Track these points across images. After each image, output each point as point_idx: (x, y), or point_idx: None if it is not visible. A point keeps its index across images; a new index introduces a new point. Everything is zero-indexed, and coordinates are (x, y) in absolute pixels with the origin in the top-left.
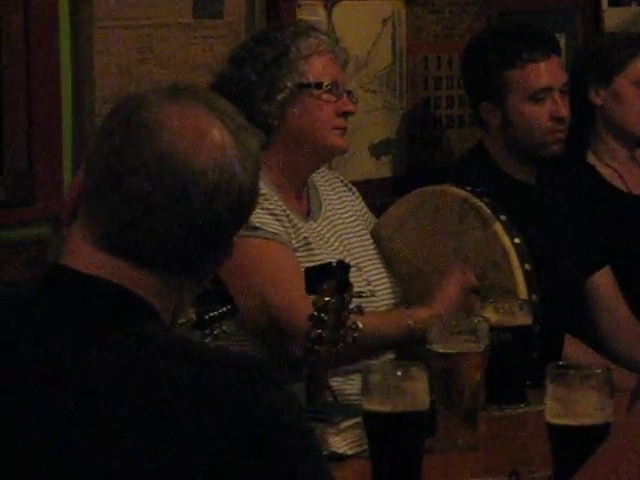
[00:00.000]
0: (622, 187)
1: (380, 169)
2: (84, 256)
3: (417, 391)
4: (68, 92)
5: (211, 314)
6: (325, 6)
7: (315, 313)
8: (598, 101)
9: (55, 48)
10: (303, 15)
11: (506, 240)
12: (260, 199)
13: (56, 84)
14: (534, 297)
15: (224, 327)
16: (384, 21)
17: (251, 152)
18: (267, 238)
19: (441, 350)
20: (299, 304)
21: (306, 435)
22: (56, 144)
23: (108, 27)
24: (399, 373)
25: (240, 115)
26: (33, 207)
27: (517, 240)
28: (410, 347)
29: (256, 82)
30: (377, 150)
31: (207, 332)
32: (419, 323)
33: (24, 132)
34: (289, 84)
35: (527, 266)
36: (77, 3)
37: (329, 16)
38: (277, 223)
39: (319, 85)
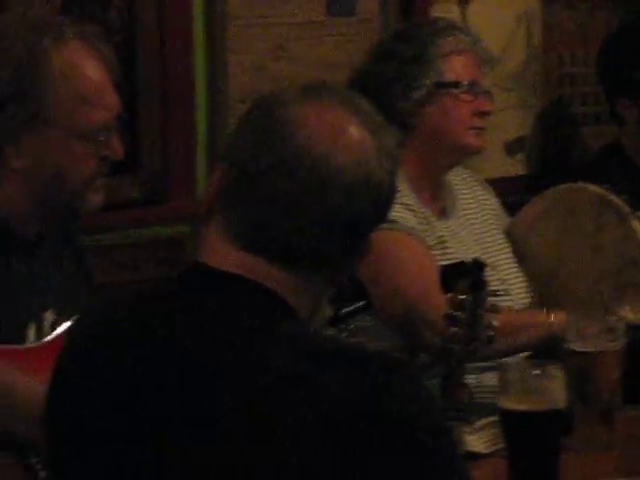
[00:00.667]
0: None
1: (514, 167)
2: (221, 254)
3: (554, 390)
4: (202, 91)
5: (346, 310)
6: (459, 3)
7: (450, 311)
8: None
9: (189, 47)
10: (437, 12)
11: None
12: (397, 195)
13: (190, 83)
14: None
15: (359, 323)
16: (518, 18)
17: (389, 150)
18: (404, 232)
19: (578, 349)
20: (434, 299)
21: (445, 433)
22: (190, 143)
23: (242, 25)
24: (536, 372)
25: (378, 114)
26: (167, 206)
27: None
28: (546, 345)
29: (394, 79)
30: (511, 148)
31: (341, 328)
32: (557, 323)
33: (159, 131)
34: (427, 82)
35: None
36: (211, 1)
37: (463, 13)
38: (414, 219)
39: (457, 84)
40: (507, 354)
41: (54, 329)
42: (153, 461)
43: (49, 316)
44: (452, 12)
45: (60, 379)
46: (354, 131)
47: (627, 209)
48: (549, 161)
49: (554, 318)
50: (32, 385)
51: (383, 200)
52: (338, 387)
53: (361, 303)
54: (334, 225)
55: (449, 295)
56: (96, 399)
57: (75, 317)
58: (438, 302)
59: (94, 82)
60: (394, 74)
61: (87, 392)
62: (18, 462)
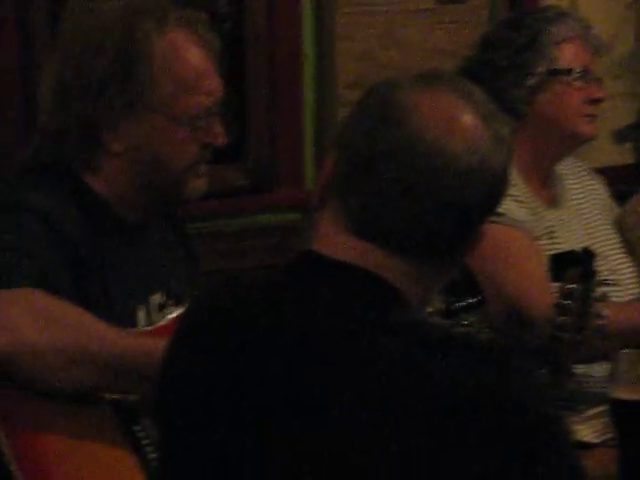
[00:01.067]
0: None
1: (623, 156)
2: (334, 241)
3: None
4: (310, 78)
5: (459, 304)
6: None
7: (559, 300)
8: None
9: (298, 34)
10: (546, 0)
11: None
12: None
13: (299, 71)
14: None
15: (472, 318)
16: (628, 5)
17: (503, 139)
18: (511, 225)
19: None
20: (541, 291)
21: (557, 422)
22: (297, 130)
23: (350, 13)
24: None
25: (492, 102)
26: (276, 193)
27: None
28: None
29: (506, 67)
30: (619, 137)
31: (455, 322)
32: None
33: (266, 119)
34: (539, 70)
35: None
36: None
37: (573, 0)
38: (522, 210)
39: (570, 71)
40: (618, 345)
41: (162, 312)
42: (256, 450)
43: (157, 299)
44: None
45: (168, 366)
46: (468, 118)
47: None
48: None
49: None
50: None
51: (496, 189)
52: (449, 375)
53: (474, 299)
54: (447, 212)
55: (558, 284)
56: (201, 386)
57: (183, 301)
58: (545, 296)
59: (195, 67)
60: (506, 62)
61: (193, 379)
62: (123, 427)
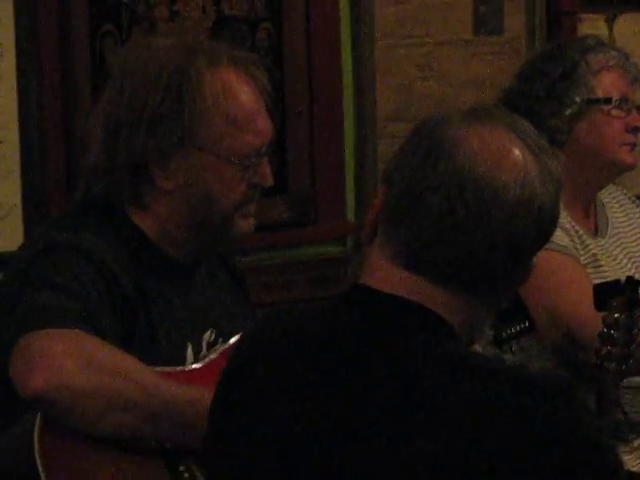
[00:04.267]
0: None
1: None
2: (383, 274)
3: None
4: (350, 111)
5: (508, 331)
6: (606, 20)
7: (604, 330)
8: None
9: (337, 67)
10: (584, 29)
11: None
12: None
13: (338, 104)
14: None
15: (521, 344)
16: None
17: (552, 173)
18: (558, 251)
19: None
20: (588, 317)
21: (609, 452)
22: (338, 163)
23: (389, 45)
24: None
25: (541, 137)
26: (316, 227)
27: None
28: None
29: (544, 98)
30: None
31: (504, 349)
32: None
33: (307, 153)
34: (577, 99)
35: None
36: (359, 22)
37: (610, 29)
38: (567, 238)
39: (608, 100)
40: None
41: (211, 349)
42: (312, 471)
43: (207, 337)
44: (599, 29)
45: (222, 394)
46: (517, 152)
47: None
48: None
49: None
50: (196, 401)
51: (546, 222)
52: (498, 407)
53: (524, 325)
54: (496, 246)
55: (603, 314)
56: (255, 414)
57: (236, 336)
58: (592, 323)
59: (246, 107)
60: (544, 92)
61: (248, 407)
62: (169, 469)
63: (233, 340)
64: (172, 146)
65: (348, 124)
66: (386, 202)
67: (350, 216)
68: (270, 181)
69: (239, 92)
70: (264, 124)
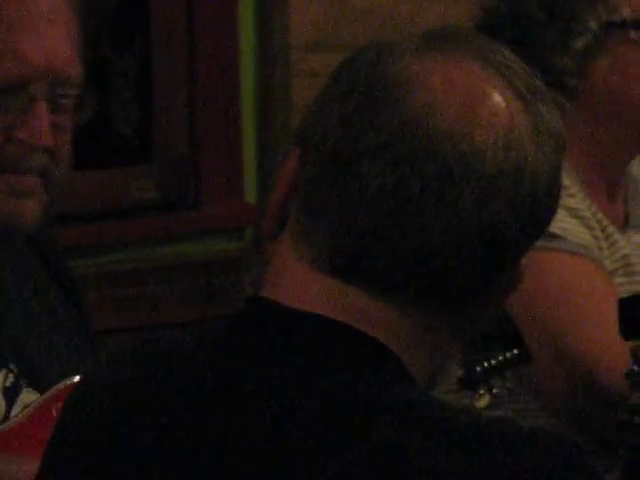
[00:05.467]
0: None
1: None
2: (299, 283)
3: None
4: (250, 38)
5: (487, 364)
6: None
7: (635, 367)
8: None
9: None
10: None
11: None
12: (562, 196)
13: (232, 27)
14: None
15: (508, 385)
16: None
17: (550, 128)
18: (571, 252)
19: None
20: (613, 352)
21: None
22: (232, 118)
23: None
24: None
25: (533, 72)
26: (198, 212)
27: None
28: None
29: (544, 23)
30: None
31: (481, 392)
32: None
33: (184, 103)
34: (593, 25)
35: None
36: None
37: None
38: (587, 232)
39: (638, 23)
40: None
41: (11, 397)
42: None
43: (2, 380)
44: None
45: (52, 467)
46: (498, 98)
47: None
48: None
49: None
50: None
51: (541, 204)
52: (459, 474)
53: (512, 353)
54: (469, 237)
55: (633, 343)
56: None
57: (62, 382)
58: (618, 361)
59: (10, 17)
60: (544, 14)
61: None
62: None
63: (58, 386)
64: None
65: (246, 59)
66: (301, 175)
67: (250, 198)
68: (44, 138)
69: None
70: (39, 48)
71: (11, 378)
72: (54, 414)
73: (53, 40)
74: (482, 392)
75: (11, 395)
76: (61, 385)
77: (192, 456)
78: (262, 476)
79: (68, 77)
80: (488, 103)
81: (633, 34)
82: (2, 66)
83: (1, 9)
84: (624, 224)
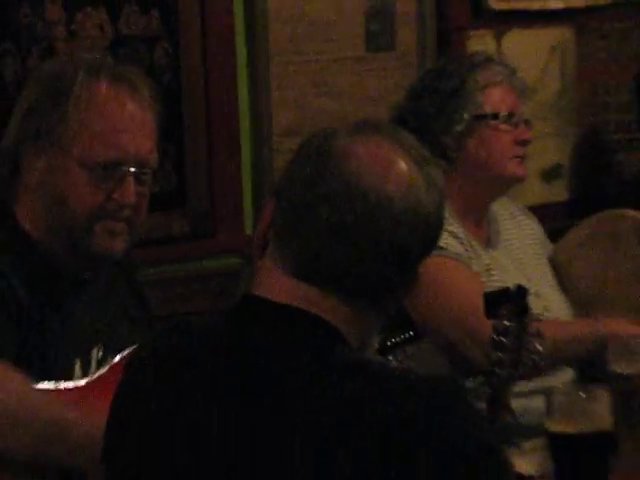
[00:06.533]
0: None
1: (553, 194)
2: (275, 285)
3: (601, 412)
4: (246, 127)
5: (393, 340)
6: (494, 36)
7: (495, 337)
8: None
9: (233, 84)
10: (473, 45)
11: None
12: (445, 223)
13: (235, 120)
14: None
15: (407, 352)
16: (552, 49)
17: (435, 182)
18: (451, 258)
19: (622, 371)
20: (479, 325)
21: (497, 453)
22: (236, 178)
23: (283, 62)
24: (583, 395)
25: (423, 147)
26: (214, 240)
27: None
28: (590, 369)
29: (434, 115)
30: (549, 175)
31: (390, 359)
32: (605, 327)
33: (205, 168)
34: (466, 116)
35: None
36: (254, 40)
37: (498, 45)
38: (461, 246)
39: (496, 115)
40: (556, 363)
41: (100, 365)
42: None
43: (96, 353)
44: (488, 45)
45: (115, 420)
46: (402, 163)
47: None
48: (585, 188)
49: (602, 326)
50: (85, 420)
51: (432, 230)
52: (393, 410)
53: (408, 334)
54: (383, 253)
55: (494, 321)
56: (149, 425)
57: (126, 350)
58: (484, 328)
59: (110, 119)
60: (434, 109)
61: (142, 419)
62: None
63: (125, 353)
64: (33, 138)
65: (244, 140)
66: (276, 214)
67: (248, 230)
68: (129, 200)
69: (107, 104)
70: (130, 142)
71: (101, 353)
72: (119, 374)
73: (140, 139)
74: (390, 359)
75: (102, 365)
76: (123, 354)
77: (213, 391)
78: (257, 411)
79: (148, 162)
80: (395, 167)
81: (492, 123)
82: (108, 153)
83: (110, 117)
84: (487, 243)
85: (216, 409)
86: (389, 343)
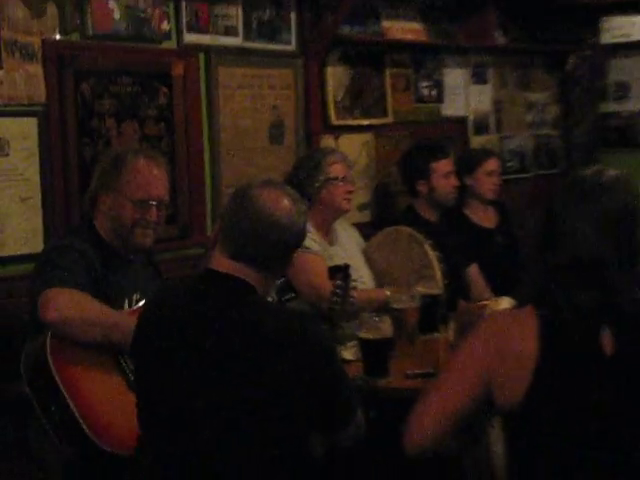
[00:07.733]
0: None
1: (362, 217)
2: (221, 262)
3: (386, 327)
4: (209, 178)
5: (285, 297)
6: (335, 137)
7: (333, 289)
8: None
9: (201, 160)
10: (324, 143)
11: (431, 253)
12: (308, 234)
13: (202, 174)
14: (445, 281)
15: (292, 303)
16: (363, 144)
17: (303, 212)
18: (312, 252)
19: (397, 306)
20: (325, 285)
21: (333, 348)
22: (203, 205)
23: (229, 150)
24: (376, 318)
25: (297, 194)
26: (191, 239)
27: (436, 253)
28: (382, 307)
29: (306, 178)
30: (361, 207)
31: (283, 304)
32: (386, 294)
33: (187, 199)
34: (321, 178)
35: (442, 266)
36: (212, 132)
37: (337, 143)
38: (317, 245)
39: (336, 178)
40: (362, 310)
41: (137, 303)
42: (191, 379)
43: (135, 297)
44: (331, 142)
45: (138, 329)
46: (286, 201)
47: (422, 238)
48: (380, 213)
49: (387, 292)
50: (129, 325)
51: (301, 235)
52: (275, 325)
53: (292, 294)
54: (276, 247)
55: (333, 282)
56: (157, 339)
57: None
58: (327, 288)
59: (145, 177)
60: (305, 175)
61: (152, 335)
62: (115, 360)
63: (144, 301)
64: (106, 187)
65: (208, 184)
66: (221, 227)
67: (208, 232)
68: (153, 218)
69: (143, 170)
70: (156, 189)
71: (138, 296)
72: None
73: (160, 188)
74: (284, 304)
75: (138, 302)
76: (145, 300)
77: (185, 321)
78: (209, 329)
79: (163, 199)
80: (282, 203)
81: (334, 182)
82: (143, 195)
83: (144, 176)
84: (330, 243)
85: (190, 331)
86: (283, 299)
